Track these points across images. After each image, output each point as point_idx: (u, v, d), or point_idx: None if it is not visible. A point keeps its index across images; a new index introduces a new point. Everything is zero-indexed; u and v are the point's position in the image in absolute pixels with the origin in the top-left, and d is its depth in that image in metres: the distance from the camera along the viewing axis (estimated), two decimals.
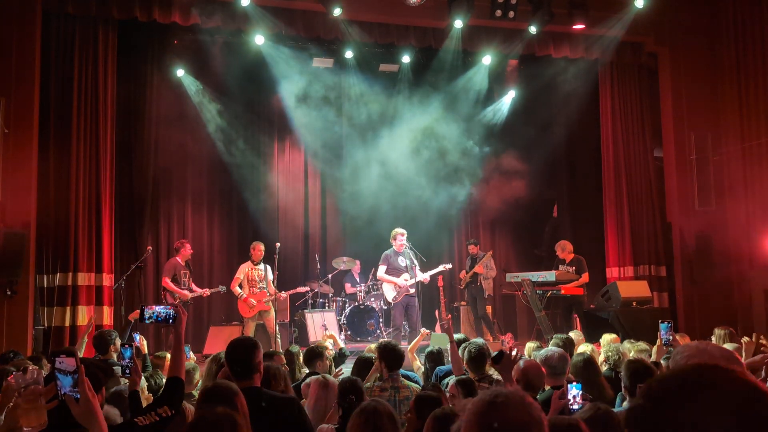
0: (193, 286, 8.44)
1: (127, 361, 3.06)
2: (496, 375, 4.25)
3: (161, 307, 2.84)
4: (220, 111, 10.15)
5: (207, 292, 8.51)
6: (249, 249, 8.60)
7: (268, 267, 8.47)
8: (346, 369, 5.29)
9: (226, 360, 3.15)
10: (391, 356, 4.25)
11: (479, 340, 4.82)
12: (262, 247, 8.51)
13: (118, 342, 5.33)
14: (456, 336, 5.54)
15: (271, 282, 8.47)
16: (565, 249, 9.04)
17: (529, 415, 1.38)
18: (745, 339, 5.31)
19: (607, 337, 6.08)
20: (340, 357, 5.92)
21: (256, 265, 8.43)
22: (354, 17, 8.53)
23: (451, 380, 3.97)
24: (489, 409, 1.37)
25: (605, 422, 2.43)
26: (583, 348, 5.14)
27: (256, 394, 2.96)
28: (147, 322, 2.85)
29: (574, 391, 3.13)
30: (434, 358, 5.29)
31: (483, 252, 9.93)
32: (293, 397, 3.23)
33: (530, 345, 5.59)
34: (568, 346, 5.05)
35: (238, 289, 8.31)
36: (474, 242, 10.03)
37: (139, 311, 2.98)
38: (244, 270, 8.42)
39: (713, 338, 5.51)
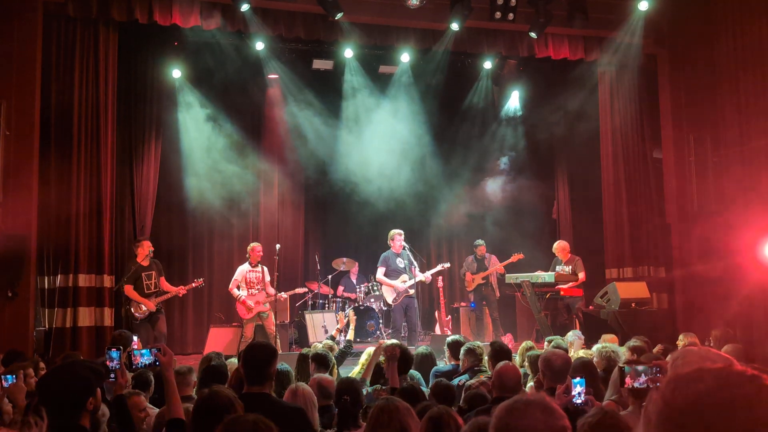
0: (166, 286, 7.95)
1: (115, 362, 3.00)
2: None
3: (145, 354, 2.85)
4: (219, 112, 10.17)
5: (183, 290, 8.06)
6: (247, 251, 8.60)
7: (266, 268, 8.47)
8: (344, 370, 5.30)
9: (243, 363, 3.12)
10: (402, 359, 4.34)
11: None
12: (259, 248, 8.50)
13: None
14: (454, 337, 5.59)
15: (269, 284, 8.47)
16: (563, 249, 9.09)
17: (545, 424, 1.39)
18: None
19: (605, 337, 6.11)
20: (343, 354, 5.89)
21: (254, 267, 8.43)
22: (354, 19, 8.54)
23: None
24: (506, 415, 1.39)
25: (612, 427, 2.38)
26: (582, 353, 5.17)
27: (266, 401, 2.96)
28: (135, 366, 2.86)
29: (578, 388, 3.10)
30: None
31: (489, 254, 9.89)
32: (300, 407, 3.20)
33: (526, 345, 5.61)
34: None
35: (236, 291, 8.31)
36: (483, 242, 9.96)
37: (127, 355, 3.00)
38: (242, 272, 8.42)
39: (711, 340, 5.53)
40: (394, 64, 10.28)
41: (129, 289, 7.67)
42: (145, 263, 7.83)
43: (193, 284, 8.20)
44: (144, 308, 7.68)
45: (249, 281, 8.37)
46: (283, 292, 8.60)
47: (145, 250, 7.82)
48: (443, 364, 5.62)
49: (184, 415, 2.88)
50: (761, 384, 0.93)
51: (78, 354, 5.61)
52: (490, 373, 4.41)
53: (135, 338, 5.44)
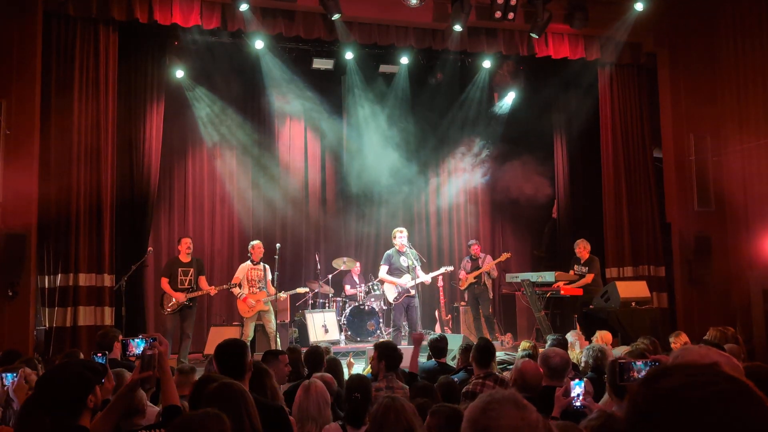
0: (201, 284, 8.11)
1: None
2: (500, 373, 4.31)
3: (140, 343, 2.87)
4: (220, 112, 10.18)
5: (213, 290, 8.27)
6: (248, 249, 8.60)
7: (267, 267, 8.48)
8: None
9: (217, 361, 3.12)
10: (391, 356, 4.29)
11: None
12: (260, 246, 8.50)
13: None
14: (435, 336, 5.60)
15: (271, 282, 8.47)
16: (583, 248, 8.99)
17: (522, 420, 1.38)
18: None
19: (599, 334, 6.11)
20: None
21: (256, 264, 8.43)
22: (354, 18, 8.55)
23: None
24: (481, 417, 1.38)
25: (615, 430, 2.35)
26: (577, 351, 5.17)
27: None
28: (129, 356, 2.88)
29: (577, 389, 3.07)
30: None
31: (484, 253, 9.92)
32: (281, 407, 3.17)
33: (524, 344, 5.60)
34: (563, 347, 5.06)
35: (237, 289, 8.33)
36: (475, 242, 10.01)
37: (121, 345, 3.02)
38: (243, 270, 8.42)
39: (709, 339, 5.53)
40: (395, 64, 10.28)
41: (164, 282, 8.00)
42: (185, 259, 8.10)
43: (225, 286, 8.33)
44: (174, 301, 7.87)
45: (251, 279, 8.38)
46: (282, 292, 8.60)
47: (183, 247, 8.13)
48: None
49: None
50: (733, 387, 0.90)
51: (78, 351, 5.62)
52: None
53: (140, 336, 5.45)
